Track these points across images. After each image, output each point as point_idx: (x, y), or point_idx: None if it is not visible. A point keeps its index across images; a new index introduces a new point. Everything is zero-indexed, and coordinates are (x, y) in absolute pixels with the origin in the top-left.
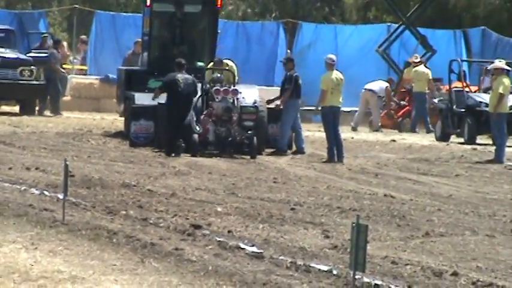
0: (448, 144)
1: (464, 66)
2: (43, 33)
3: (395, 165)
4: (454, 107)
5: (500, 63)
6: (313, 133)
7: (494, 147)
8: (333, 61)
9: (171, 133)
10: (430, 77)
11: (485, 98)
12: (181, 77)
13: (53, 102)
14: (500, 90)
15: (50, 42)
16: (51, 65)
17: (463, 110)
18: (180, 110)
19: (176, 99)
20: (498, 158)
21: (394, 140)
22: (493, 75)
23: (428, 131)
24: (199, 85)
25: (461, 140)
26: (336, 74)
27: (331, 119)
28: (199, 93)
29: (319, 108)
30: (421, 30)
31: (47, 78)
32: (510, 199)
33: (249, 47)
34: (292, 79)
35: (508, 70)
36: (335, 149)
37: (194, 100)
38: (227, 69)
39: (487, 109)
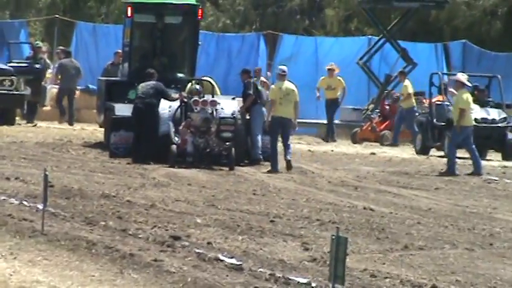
0: (428, 158)
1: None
2: (25, 43)
3: (375, 178)
4: (435, 120)
5: (462, 77)
6: (293, 145)
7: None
8: (284, 72)
9: (135, 140)
10: (409, 91)
11: None
12: (143, 84)
13: (34, 111)
14: (460, 105)
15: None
16: (44, 74)
17: (443, 123)
18: (142, 116)
19: (136, 106)
20: (476, 170)
21: (374, 153)
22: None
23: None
24: (172, 93)
25: (442, 153)
26: (286, 85)
27: (278, 129)
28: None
29: (269, 119)
30: (402, 43)
31: (37, 88)
32: (489, 213)
33: (230, 59)
34: (251, 85)
35: (468, 86)
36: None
37: (161, 107)
38: (207, 80)
39: None
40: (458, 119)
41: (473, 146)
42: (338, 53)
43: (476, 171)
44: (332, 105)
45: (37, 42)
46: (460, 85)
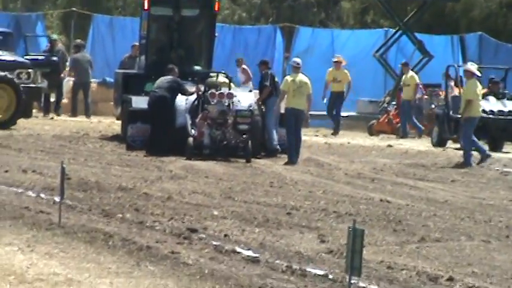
0: (444, 150)
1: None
2: (41, 36)
3: (392, 170)
4: (451, 112)
5: (472, 67)
6: (310, 137)
7: (491, 152)
8: (298, 64)
9: (152, 132)
10: (417, 82)
11: (482, 104)
12: (162, 78)
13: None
14: (468, 96)
15: (60, 45)
16: (61, 67)
17: (459, 115)
18: (156, 109)
19: (151, 99)
20: (466, 162)
21: (390, 145)
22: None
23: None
24: (188, 87)
25: (458, 145)
26: (299, 77)
27: (292, 121)
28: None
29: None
30: (418, 35)
31: (54, 80)
32: (506, 205)
33: (246, 51)
34: (268, 76)
35: (478, 75)
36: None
37: (178, 100)
38: (223, 73)
39: (484, 115)
40: (463, 110)
41: (475, 139)
42: (354, 46)
43: (466, 162)
44: (338, 99)
45: (53, 35)
46: (469, 75)
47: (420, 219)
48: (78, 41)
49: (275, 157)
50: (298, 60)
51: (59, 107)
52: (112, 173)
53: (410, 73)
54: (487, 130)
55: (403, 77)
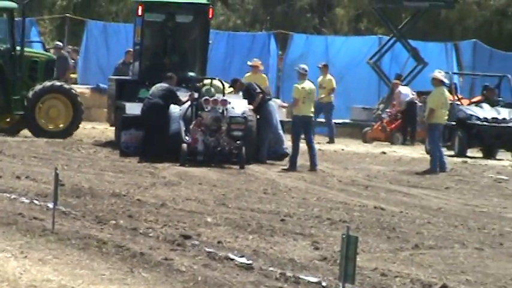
0: None
1: (455, 79)
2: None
3: (386, 177)
4: None
5: (439, 74)
6: (303, 144)
7: (483, 160)
8: (305, 71)
9: (145, 138)
10: (334, 86)
11: (476, 111)
12: (157, 85)
13: None
14: (431, 105)
15: (65, 51)
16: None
17: (453, 122)
18: (149, 116)
19: (145, 106)
20: (432, 168)
21: (384, 152)
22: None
23: None
24: (182, 93)
25: (452, 152)
26: (308, 84)
27: (301, 129)
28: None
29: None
30: (413, 42)
31: None
32: (499, 212)
33: (241, 57)
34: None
35: (446, 83)
36: (298, 157)
37: (172, 106)
38: (217, 79)
39: (478, 122)
40: (427, 117)
41: (441, 145)
42: (348, 53)
43: (431, 168)
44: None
45: (57, 42)
46: (437, 82)
47: (414, 226)
48: (70, 46)
49: (266, 164)
50: (305, 67)
51: None
52: (105, 179)
53: (329, 76)
54: (481, 137)
55: (321, 78)
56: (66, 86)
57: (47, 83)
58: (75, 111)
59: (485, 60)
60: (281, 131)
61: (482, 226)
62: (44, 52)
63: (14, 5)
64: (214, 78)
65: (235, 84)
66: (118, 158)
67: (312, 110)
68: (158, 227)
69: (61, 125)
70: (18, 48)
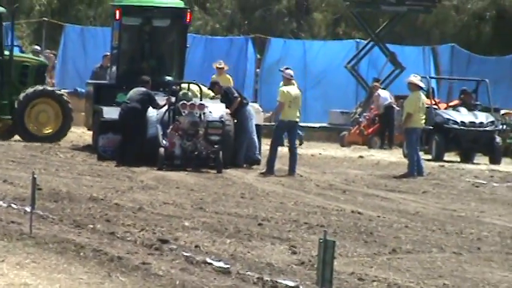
0: None
1: (433, 83)
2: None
3: (363, 181)
4: None
5: (415, 79)
6: (281, 148)
7: (461, 164)
8: (291, 76)
9: (123, 142)
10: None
11: (453, 115)
12: (134, 89)
13: None
14: (408, 109)
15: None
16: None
17: (431, 127)
18: (127, 120)
19: (123, 110)
20: (409, 172)
21: (362, 157)
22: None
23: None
24: (160, 97)
25: (429, 156)
26: (294, 89)
27: (283, 133)
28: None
29: (275, 121)
30: (390, 46)
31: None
32: (477, 216)
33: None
34: (232, 90)
35: (422, 88)
36: (276, 162)
37: (150, 110)
38: (195, 83)
39: (455, 126)
40: (404, 121)
41: (418, 149)
42: (326, 57)
43: (409, 172)
44: None
45: (35, 47)
46: (414, 87)
47: (391, 230)
48: (48, 51)
49: (244, 168)
50: (291, 72)
51: None
52: (83, 183)
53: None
54: (459, 141)
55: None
56: (57, 91)
57: (39, 87)
58: (65, 117)
59: (463, 65)
60: (255, 137)
61: (460, 230)
62: (37, 58)
63: (2, 9)
64: (192, 83)
65: (214, 87)
66: (96, 162)
67: (298, 115)
68: (136, 231)
69: (50, 130)
70: (6, 52)
